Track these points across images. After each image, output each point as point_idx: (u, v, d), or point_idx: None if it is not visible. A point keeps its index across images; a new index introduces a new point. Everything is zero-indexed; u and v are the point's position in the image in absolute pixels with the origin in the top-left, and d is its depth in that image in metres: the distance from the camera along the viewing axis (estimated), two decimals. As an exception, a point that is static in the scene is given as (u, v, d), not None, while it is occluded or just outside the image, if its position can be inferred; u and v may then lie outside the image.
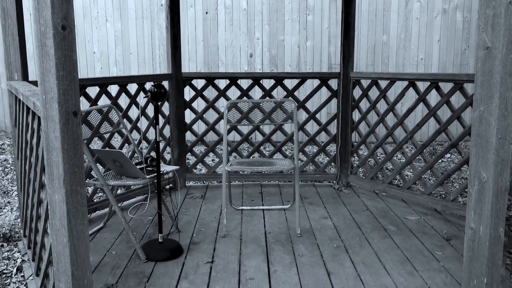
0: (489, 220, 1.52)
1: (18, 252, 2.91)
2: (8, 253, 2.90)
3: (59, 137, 1.46)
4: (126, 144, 3.63)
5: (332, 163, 4.24)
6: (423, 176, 3.85)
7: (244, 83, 6.02)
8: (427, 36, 6.56)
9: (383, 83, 3.78)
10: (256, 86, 4.07)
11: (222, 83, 5.72)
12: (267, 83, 5.93)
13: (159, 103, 3.07)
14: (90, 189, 3.98)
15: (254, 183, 4.21)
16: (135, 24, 6.59)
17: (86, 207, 1.55)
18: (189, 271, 2.51)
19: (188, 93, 6.25)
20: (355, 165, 4.08)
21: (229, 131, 3.60)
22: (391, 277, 2.43)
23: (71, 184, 1.49)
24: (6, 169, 4.94)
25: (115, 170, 2.77)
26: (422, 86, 6.08)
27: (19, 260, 2.79)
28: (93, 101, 3.31)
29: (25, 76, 2.64)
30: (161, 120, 5.55)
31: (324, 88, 6.04)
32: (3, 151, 5.75)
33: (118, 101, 3.49)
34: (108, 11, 6.56)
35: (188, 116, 5.51)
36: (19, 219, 3.40)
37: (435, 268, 2.54)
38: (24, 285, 2.52)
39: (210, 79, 3.99)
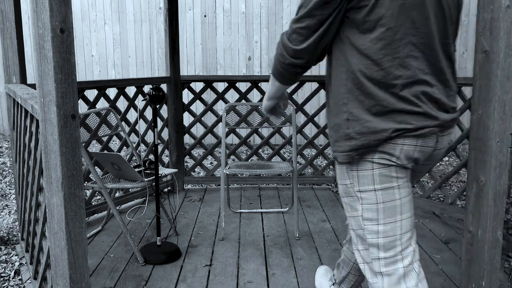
0: (487, 223, 1.53)
1: (16, 255, 2.90)
2: (6, 257, 2.89)
3: (57, 140, 1.45)
4: (125, 147, 3.63)
5: (331, 166, 4.24)
6: (421, 179, 3.85)
7: (243, 86, 6.04)
8: (425, 40, 6.57)
9: (381, 86, 3.79)
10: (255, 89, 4.07)
11: (220, 86, 5.72)
12: (266, 86, 5.94)
13: (158, 106, 3.07)
14: (88, 192, 3.97)
15: (253, 186, 4.21)
16: (133, 27, 6.59)
17: (84, 210, 1.55)
18: (187, 274, 2.51)
19: (186, 96, 6.26)
20: (353, 168, 4.08)
21: (227, 134, 3.60)
22: (389, 280, 2.43)
23: (69, 187, 1.49)
24: (4, 172, 4.93)
25: (113, 173, 2.76)
26: (420, 89, 6.09)
27: (16, 264, 2.78)
28: (92, 104, 3.31)
29: (23, 79, 2.64)
30: (160, 123, 5.55)
31: (322, 91, 6.04)
32: (1, 154, 5.74)
33: (116, 104, 3.49)
34: (106, 14, 6.57)
35: (187, 119, 5.52)
36: (17, 222, 3.39)
37: (434, 271, 2.54)
38: (22, 289, 2.51)
39: (208, 82, 3.99)
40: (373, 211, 1.41)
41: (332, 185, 4.18)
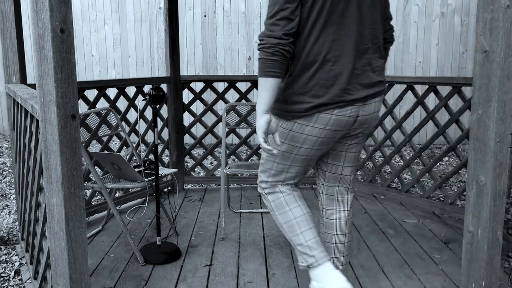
0: (487, 223, 1.53)
1: (16, 255, 2.90)
2: (6, 256, 2.89)
3: (57, 140, 1.46)
4: (125, 147, 3.63)
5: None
6: (421, 179, 3.85)
7: (243, 86, 6.04)
8: (425, 40, 6.58)
9: (381, 86, 3.78)
10: (255, 89, 4.07)
11: (220, 86, 5.72)
12: (266, 86, 5.93)
13: (158, 106, 3.07)
14: (88, 192, 3.97)
15: (253, 186, 4.21)
16: (133, 27, 6.59)
17: (84, 210, 1.55)
18: (187, 274, 2.51)
19: (186, 96, 6.26)
20: (353, 168, 4.08)
21: (227, 134, 3.60)
22: (389, 281, 2.43)
23: (69, 187, 1.49)
24: (4, 172, 4.93)
25: (113, 173, 2.77)
26: (420, 89, 6.10)
27: (16, 264, 2.78)
28: (92, 104, 3.31)
29: (23, 79, 2.64)
30: (160, 123, 5.55)
31: (322, 91, 6.04)
32: (1, 154, 5.74)
33: (116, 104, 3.49)
34: (106, 14, 6.57)
35: (187, 119, 5.51)
36: (17, 222, 3.39)
37: (434, 271, 2.54)
38: (22, 289, 2.51)
39: (208, 82, 3.99)
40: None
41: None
